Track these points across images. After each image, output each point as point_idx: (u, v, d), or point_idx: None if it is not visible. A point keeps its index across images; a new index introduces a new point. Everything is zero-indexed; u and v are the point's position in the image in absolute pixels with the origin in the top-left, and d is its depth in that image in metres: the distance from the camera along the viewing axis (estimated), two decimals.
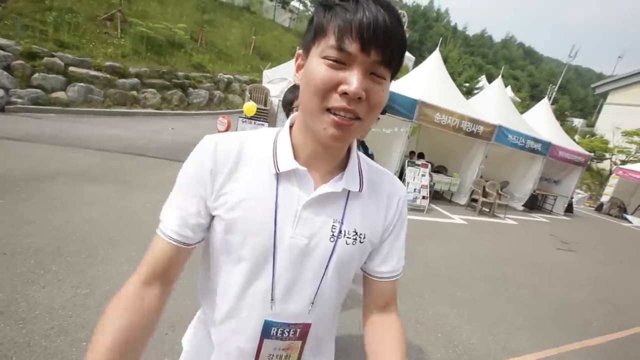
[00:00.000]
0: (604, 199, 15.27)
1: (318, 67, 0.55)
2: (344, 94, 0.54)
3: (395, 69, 0.59)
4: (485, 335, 2.95)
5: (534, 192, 10.20)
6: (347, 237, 0.68)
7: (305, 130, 0.65)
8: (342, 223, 0.67)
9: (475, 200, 8.61)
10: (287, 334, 0.69)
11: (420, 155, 8.62)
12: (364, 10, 0.52)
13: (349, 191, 0.68)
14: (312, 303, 0.69)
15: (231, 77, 13.42)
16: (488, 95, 9.82)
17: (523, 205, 10.30)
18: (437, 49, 8.92)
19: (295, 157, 0.65)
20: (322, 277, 0.68)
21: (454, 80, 22.10)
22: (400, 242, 0.77)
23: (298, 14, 23.66)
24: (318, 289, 0.68)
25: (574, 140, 14.98)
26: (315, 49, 0.57)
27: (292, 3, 23.44)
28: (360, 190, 0.69)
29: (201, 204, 0.65)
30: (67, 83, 8.61)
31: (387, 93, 0.59)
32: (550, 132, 10.21)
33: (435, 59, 8.79)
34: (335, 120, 0.56)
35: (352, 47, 0.52)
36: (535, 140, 9.23)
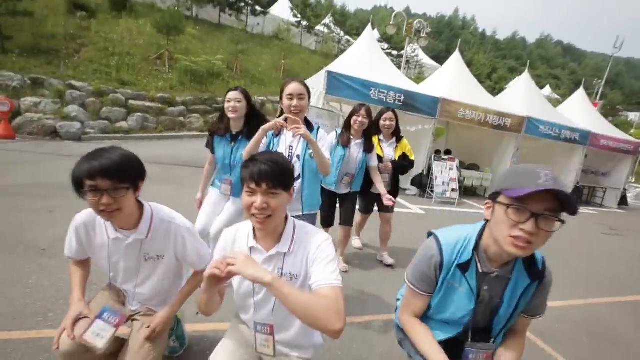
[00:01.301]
0: None
1: (244, 194, 1.14)
2: (256, 208, 1.11)
3: (283, 186, 1.13)
4: None
5: (578, 184, 9.67)
6: (285, 276, 1.20)
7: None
8: (282, 269, 1.21)
9: None
10: (263, 330, 1.23)
11: (447, 152, 8.72)
12: (254, 166, 1.11)
13: (283, 252, 1.20)
14: (272, 313, 1.23)
15: (264, 98, 14.57)
16: (516, 90, 9.75)
17: None
18: (457, 49, 9.15)
19: (254, 238, 1.23)
20: (274, 300, 1.21)
21: (482, 82, 21.66)
22: (323, 266, 1.12)
23: (323, 37, 25.00)
24: (274, 306, 1.23)
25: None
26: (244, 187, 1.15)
27: (317, 27, 24.88)
28: (290, 250, 1.20)
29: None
30: (127, 114, 10.04)
31: (282, 198, 1.14)
32: (589, 122, 9.77)
33: (455, 59, 9.03)
34: (256, 220, 1.14)
35: (252, 185, 1.10)
36: (572, 129, 8.92)
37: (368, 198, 3.28)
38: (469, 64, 24.13)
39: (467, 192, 9.11)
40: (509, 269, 1.15)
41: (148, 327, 1.37)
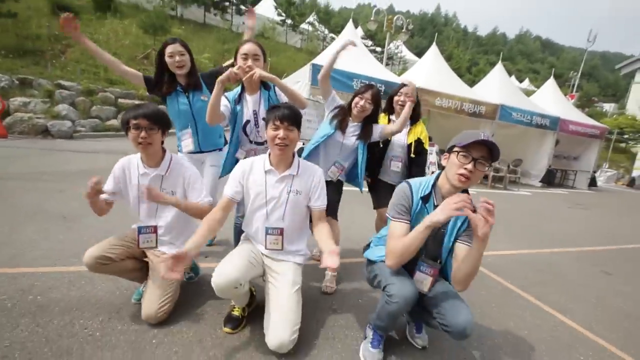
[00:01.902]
0: (635, 173, 14.75)
1: (269, 129, 1.63)
2: (279, 138, 1.60)
3: (297, 125, 1.65)
4: None
5: (550, 167, 10.35)
6: (292, 193, 1.71)
7: (271, 150, 1.69)
8: (291, 186, 1.69)
9: (486, 177, 9.01)
10: (274, 232, 1.70)
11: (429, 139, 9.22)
12: (278, 110, 1.62)
13: (292, 174, 1.69)
14: (282, 219, 1.69)
15: None
16: (490, 80, 10.34)
17: (540, 182, 10.45)
18: (434, 43, 9.68)
19: (270, 163, 1.70)
20: (285, 206, 1.69)
21: (462, 75, 22.20)
22: (320, 194, 1.76)
23: (308, 35, 25.34)
24: (284, 212, 1.70)
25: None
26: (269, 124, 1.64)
27: (302, 26, 25.20)
28: (297, 173, 1.71)
29: (239, 185, 1.69)
30: (117, 112, 10.17)
31: (295, 133, 1.65)
32: (559, 109, 10.45)
33: (433, 52, 9.54)
34: (278, 147, 1.62)
35: (277, 122, 1.59)
36: (542, 116, 9.56)
37: (380, 188, 2.60)
38: (448, 58, 24.91)
39: None
40: None
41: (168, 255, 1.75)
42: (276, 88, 2.13)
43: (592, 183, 11.57)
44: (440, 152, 9.13)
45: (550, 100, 10.97)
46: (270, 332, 1.53)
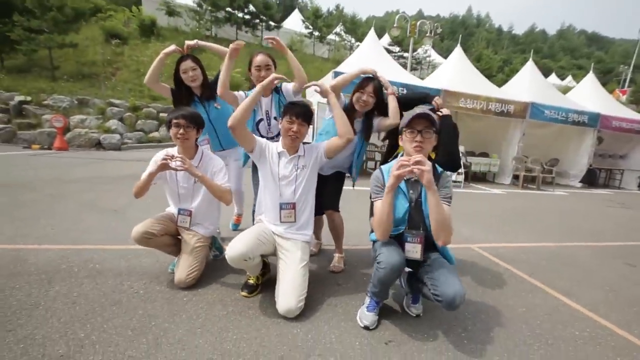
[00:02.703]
0: None
1: (284, 122, 1.99)
2: (292, 131, 1.96)
3: (308, 122, 2.01)
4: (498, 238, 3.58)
5: (591, 166, 9.72)
6: (299, 168, 2.07)
7: (284, 139, 2.05)
8: (297, 164, 2.07)
9: (517, 177, 8.70)
10: (287, 207, 2.03)
11: None
12: (296, 107, 1.98)
13: (299, 155, 2.06)
14: (294, 194, 2.02)
15: None
16: (520, 78, 10.03)
17: (581, 182, 9.83)
18: (458, 44, 9.63)
19: (283, 147, 2.07)
20: (295, 182, 2.03)
21: (493, 76, 21.39)
22: (323, 144, 2.10)
23: (335, 45, 25.94)
24: (295, 187, 2.03)
25: None
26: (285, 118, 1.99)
27: (329, 37, 25.87)
28: (303, 154, 2.08)
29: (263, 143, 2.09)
30: (159, 125, 11.20)
31: (305, 128, 2.01)
32: (600, 105, 9.83)
33: (457, 53, 9.50)
34: (291, 138, 1.99)
35: (293, 117, 1.94)
36: (579, 112, 9.08)
37: None
38: (477, 59, 24.13)
39: (476, 178, 9.43)
40: None
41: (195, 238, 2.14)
42: (283, 91, 2.42)
43: None
44: (467, 154, 8.99)
45: (590, 96, 10.34)
46: (280, 300, 1.80)
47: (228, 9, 19.13)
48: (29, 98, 10.19)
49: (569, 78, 32.73)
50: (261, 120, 2.45)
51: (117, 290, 1.95)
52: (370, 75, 2.33)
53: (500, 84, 11.20)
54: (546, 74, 24.58)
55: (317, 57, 23.85)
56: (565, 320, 2.07)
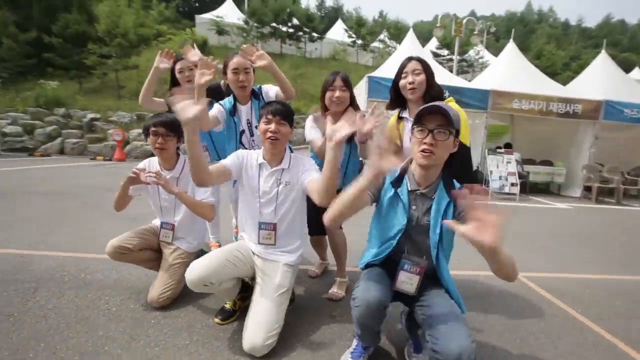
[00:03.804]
0: None
1: (261, 124, 1.67)
2: (270, 132, 1.63)
3: (288, 120, 1.68)
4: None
5: None
6: (282, 184, 1.72)
7: (264, 145, 1.73)
8: (280, 179, 1.72)
9: (589, 189, 7.36)
10: (267, 228, 1.72)
11: (507, 146, 8.08)
12: (271, 106, 1.68)
13: (283, 168, 1.72)
14: (274, 213, 1.69)
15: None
16: (590, 74, 8.63)
17: None
18: (511, 39, 8.65)
19: (264, 157, 1.74)
20: (276, 200, 1.70)
21: (557, 74, 19.02)
22: (311, 172, 1.70)
23: (379, 52, 25.48)
24: (275, 207, 1.70)
25: None
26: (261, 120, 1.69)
27: (373, 44, 25.52)
28: (288, 167, 1.74)
29: (238, 162, 1.75)
30: None
31: (286, 128, 1.68)
32: None
33: (510, 49, 8.52)
34: (270, 141, 1.65)
35: (269, 116, 1.63)
36: None
37: None
38: (537, 56, 21.65)
39: (537, 190, 8.21)
40: (432, 188, 1.37)
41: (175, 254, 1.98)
42: (263, 95, 2.14)
43: None
44: (525, 162, 7.90)
45: None
46: (246, 334, 1.52)
47: (273, 24, 19.91)
48: (98, 115, 11.51)
49: None
50: (243, 132, 2.20)
51: (92, 305, 1.84)
52: (336, 71, 2.06)
53: (566, 82, 9.78)
54: (628, 69, 21.14)
55: (360, 65, 23.60)
56: None
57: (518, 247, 3.59)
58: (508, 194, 6.81)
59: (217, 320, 1.76)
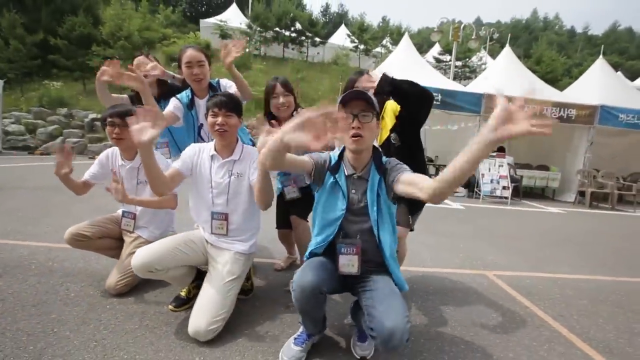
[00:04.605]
0: None
1: (209, 117, 1.69)
2: (217, 124, 1.65)
3: (235, 111, 1.68)
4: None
5: None
6: (234, 176, 1.74)
7: (214, 138, 1.78)
8: (232, 170, 1.75)
9: (583, 194, 7.29)
10: (219, 217, 1.74)
11: (500, 149, 8.04)
12: (216, 98, 1.68)
13: (234, 160, 1.74)
14: (227, 204, 1.73)
15: None
16: (587, 80, 8.60)
17: None
18: (507, 44, 8.65)
19: (215, 149, 1.76)
20: (227, 192, 1.73)
21: (558, 80, 18.90)
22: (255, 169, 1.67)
23: (381, 57, 25.60)
24: (227, 198, 1.73)
25: None
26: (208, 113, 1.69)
27: (376, 49, 25.65)
28: (239, 158, 1.76)
29: (190, 162, 1.76)
30: None
31: (234, 119, 1.68)
32: None
33: (505, 54, 8.53)
34: (218, 133, 1.67)
35: (215, 109, 1.65)
36: None
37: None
38: (537, 62, 21.55)
39: (533, 195, 8.16)
40: (366, 171, 1.44)
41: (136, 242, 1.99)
42: (221, 89, 2.14)
43: None
44: (517, 166, 7.85)
45: None
46: (191, 319, 1.55)
47: (276, 28, 20.14)
48: (99, 115, 11.71)
49: None
50: (202, 125, 2.22)
51: (52, 290, 1.89)
52: (276, 77, 2.12)
53: (565, 88, 9.74)
54: (633, 77, 20.90)
55: (362, 70, 23.71)
56: None
57: (497, 247, 3.57)
58: (500, 197, 6.77)
59: (170, 307, 1.79)
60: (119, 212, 2.16)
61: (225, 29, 18.83)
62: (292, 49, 21.40)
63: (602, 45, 9.69)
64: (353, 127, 1.34)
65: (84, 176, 2.04)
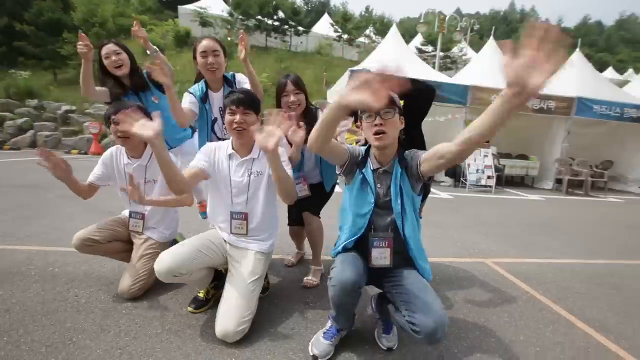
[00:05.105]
0: None
1: (226, 115, 1.64)
2: (236, 123, 1.60)
3: (253, 109, 1.64)
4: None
5: None
6: (254, 175, 1.71)
7: (232, 137, 1.73)
8: (251, 169, 1.71)
9: (561, 182, 7.68)
10: (239, 217, 1.71)
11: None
12: (234, 96, 1.63)
13: (253, 158, 1.71)
14: (247, 203, 1.70)
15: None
16: (565, 72, 8.95)
17: None
18: (491, 37, 8.85)
19: (233, 148, 1.72)
20: (248, 191, 1.70)
21: None
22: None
23: (365, 48, 25.52)
24: (247, 197, 1.70)
25: None
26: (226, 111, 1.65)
27: (359, 39, 25.51)
28: (258, 157, 1.72)
29: (209, 160, 1.71)
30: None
31: (252, 117, 1.64)
32: None
33: (490, 47, 8.73)
34: (237, 132, 1.63)
35: (233, 107, 1.59)
36: (638, 107, 7.85)
37: None
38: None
39: (514, 184, 8.51)
40: (391, 165, 1.47)
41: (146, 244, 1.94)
42: (237, 84, 2.13)
43: None
44: (499, 156, 8.14)
45: None
46: (218, 321, 1.54)
47: (258, 17, 19.59)
48: (74, 107, 11.08)
49: (630, 71, 29.13)
50: (216, 120, 2.16)
51: (59, 298, 1.81)
52: (287, 74, 2.07)
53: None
54: (602, 69, 21.96)
55: (346, 61, 23.58)
56: None
57: (489, 235, 3.73)
58: (485, 186, 7.03)
59: (190, 309, 1.76)
60: (125, 213, 2.09)
61: (205, 16, 18.12)
62: (276, 38, 20.93)
63: (580, 40, 10.03)
64: (376, 125, 1.37)
65: (89, 178, 1.94)
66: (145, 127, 1.34)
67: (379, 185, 1.47)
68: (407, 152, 1.48)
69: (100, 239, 1.85)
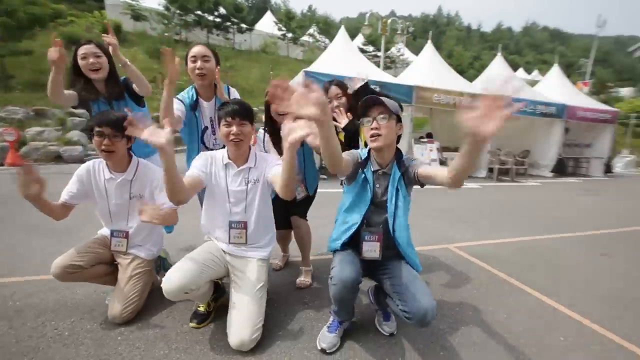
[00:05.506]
0: None
1: (222, 127, 1.64)
2: (232, 134, 1.62)
3: (249, 119, 1.66)
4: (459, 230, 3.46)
5: (560, 156, 9.99)
6: (250, 183, 1.73)
7: (227, 147, 1.73)
8: (248, 178, 1.73)
9: (492, 170, 8.79)
10: (238, 226, 1.71)
11: (429, 135, 9.13)
12: (228, 107, 1.64)
13: (249, 167, 1.73)
14: (245, 211, 1.70)
15: (255, 109, 15.16)
16: (489, 73, 10.20)
17: (552, 172, 10.09)
18: (429, 41, 9.67)
19: (229, 157, 1.72)
20: (245, 199, 1.70)
21: (464, 71, 21.92)
22: (276, 167, 1.69)
23: (309, 46, 25.79)
24: (245, 206, 1.71)
25: None
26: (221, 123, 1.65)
27: (303, 38, 25.70)
28: (254, 165, 1.74)
29: (206, 169, 1.70)
30: None
31: (247, 127, 1.67)
32: (565, 97, 10.14)
33: (428, 50, 9.53)
34: (233, 143, 1.64)
35: (228, 119, 1.60)
36: (547, 104, 9.31)
37: None
38: (449, 56, 24.74)
39: None
40: (389, 167, 1.62)
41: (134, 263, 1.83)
42: (231, 92, 2.14)
43: (608, 170, 11.06)
44: (443, 150, 9.01)
45: (556, 88, 10.67)
46: (232, 332, 1.54)
47: (197, 12, 18.57)
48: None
49: (535, 72, 34.11)
50: (206, 129, 2.13)
51: (37, 333, 1.62)
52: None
53: (471, 79, 11.38)
54: (513, 69, 25.41)
55: (291, 59, 23.62)
56: (549, 325, 1.93)
57: (445, 222, 4.17)
58: None
59: (192, 324, 1.72)
60: (104, 231, 1.93)
61: (137, 9, 16.62)
62: (217, 34, 20.08)
63: (500, 44, 11.50)
64: (372, 129, 1.52)
65: (62, 196, 1.77)
66: (156, 134, 1.30)
67: (377, 185, 1.61)
68: (405, 158, 1.64)
69: (84, 264, 1.69)
